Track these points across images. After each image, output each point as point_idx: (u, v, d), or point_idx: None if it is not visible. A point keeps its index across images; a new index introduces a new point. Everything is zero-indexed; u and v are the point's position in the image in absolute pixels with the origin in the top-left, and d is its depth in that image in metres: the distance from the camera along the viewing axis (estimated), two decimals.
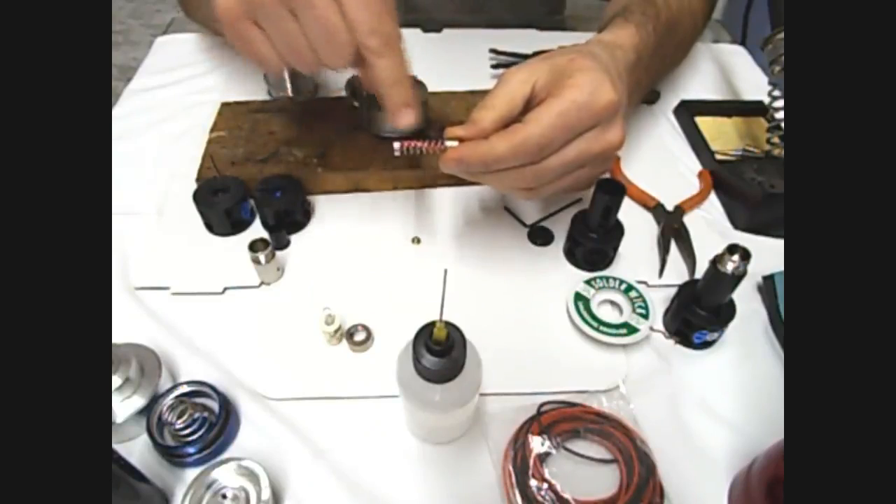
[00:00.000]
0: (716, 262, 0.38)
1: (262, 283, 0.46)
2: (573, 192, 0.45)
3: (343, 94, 0.58)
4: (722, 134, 0.60)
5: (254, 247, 0.44)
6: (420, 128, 0.55)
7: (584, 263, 0.48)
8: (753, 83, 0.69)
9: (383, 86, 0.38)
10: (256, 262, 0.44)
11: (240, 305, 0.45)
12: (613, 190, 0.43)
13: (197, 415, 0.36)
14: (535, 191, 0.41)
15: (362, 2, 0.35)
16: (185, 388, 0.38)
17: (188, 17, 0.72)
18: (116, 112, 0.63)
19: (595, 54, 0.41)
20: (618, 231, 0.46)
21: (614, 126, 0.39)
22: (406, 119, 0.40)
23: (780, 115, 0.53)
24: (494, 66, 0.69)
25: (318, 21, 0.35)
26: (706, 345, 0.43)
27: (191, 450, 0.36)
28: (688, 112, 0.62)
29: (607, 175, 0.47)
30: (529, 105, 0.39)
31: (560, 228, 0.51)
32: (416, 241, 0.50)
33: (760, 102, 0.60)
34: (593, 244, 0.46)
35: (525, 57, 0.69)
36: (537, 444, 0.36)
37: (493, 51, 0.71)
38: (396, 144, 0.40)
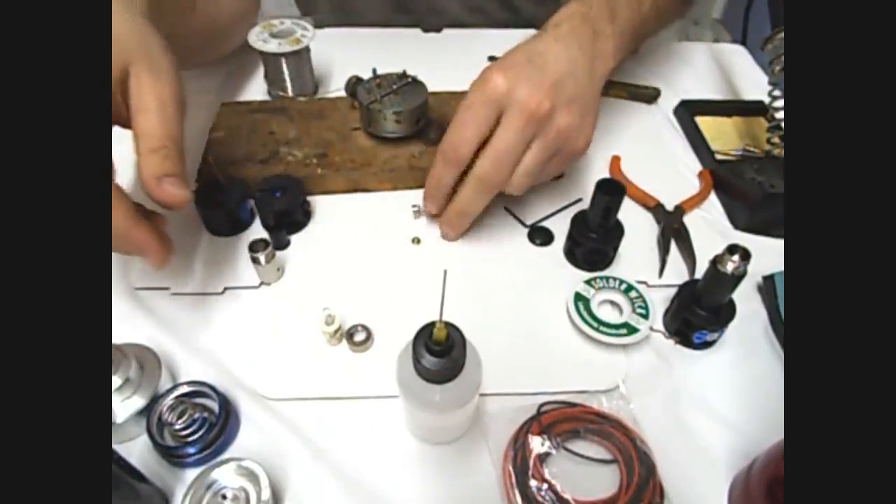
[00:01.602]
0: (716, 262, 0.38)
1: (262, 283, 0.46)
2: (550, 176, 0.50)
3: (343, 94, 0.58)
4: (722, 134, 0.60)
5: (254, 247, 0.44)
6: (420, 128, 0.55)
7: (584, 263, 0.48)
8: (753, 83, 0.69)
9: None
10: (256, 262, 0.44)
11: (240, 305, 0.45)
12: (613, 190, 0.43)
13: (197, 415, 0.36)
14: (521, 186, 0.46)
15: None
16: (185, 389, 0.38)
17: None
18: None
19: (529, 43, 0.46)
20: (618, 231, 0.46)
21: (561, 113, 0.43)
22: (151, 263, 0.37)
23: (780, 115, 0.53)
24: None
25: None
26: (706, 345, 0.43)
27: (191, 450, 0.36)
28: (688, 112, 0.62)
29: (607, 175, 0.48)
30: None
31: (560, 228, 0.51)
32: (416, 241, 0.50)
33: (760, 102, 0.60)
34: (593, 244, 0.46)
35: None
36: (537, 444, 0.36)
37: (491, 58, 0.71)
38: None
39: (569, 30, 0.46)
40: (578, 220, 0.47)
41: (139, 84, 0.36)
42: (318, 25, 0.63)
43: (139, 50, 0.37)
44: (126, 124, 0.36)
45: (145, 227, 0.36)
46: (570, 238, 0.48)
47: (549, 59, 0.44)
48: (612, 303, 0.46)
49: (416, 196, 0.54)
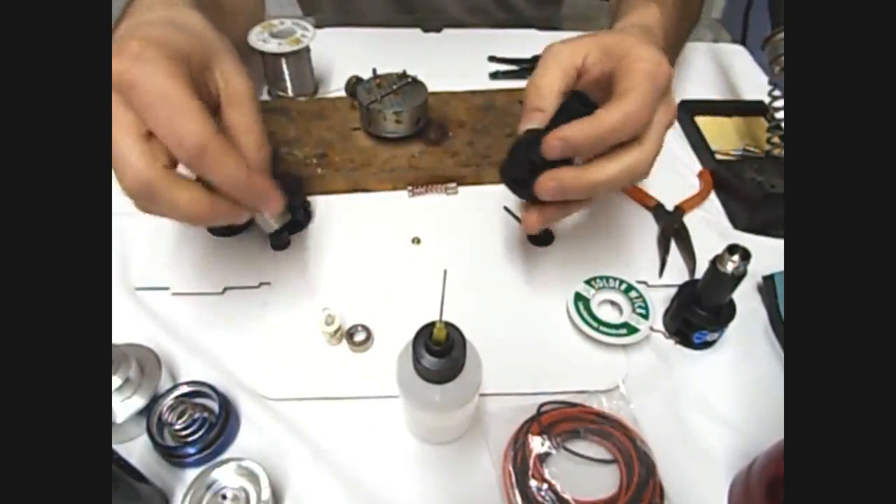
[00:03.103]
0: (716, 262, 0.38)
1: (261, 283, 0.46)
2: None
3: (343, 94, 0.58)
4: (722, 134, 0.60)
5: None
6: (420, 128, 0.55)
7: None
8: (753, 83, 0.69)
9: (227, 194, 0.34)
10: None
11: (240, 305, 0.45)
12: (586, 102, 0.38)
13: (197, 415, 0.36)
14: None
15: (154, 113, 0.30)
16: (185, 389, 0.38)
17: None
18: None
19: (636, 35, 0.41)
20: None
21: (672, 95, 0.39)
22: (269, 210, 0.37)
23: (780, 115, 0.53)
24: (492, 75, 0.69)
25: (114, 143, 0.31)
26: (706, 345, 0.43)
27: (191, 450, 0.36)
28: (688, 112, 0.62)
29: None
30: (577, 79, 0.39)
31: (560, 228, 0.51)
32: (416, 241, 0.50)
33: (760, 102, 0.60)
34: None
35: (524, 62, 0.70)
36: (537, 445, 0.36)
37: (491, 58, 0.71)
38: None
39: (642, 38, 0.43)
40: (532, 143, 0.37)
41: (227, 79, 0.36)
42: (320, 25, 0.63)
43: (221, 44, 0.37)
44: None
45: (260, 174, 0.35)
46: (514, 163, 0.39)
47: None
48: (612, 303, 0.46)
49: (416, 197, 0.54)
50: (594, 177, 0.36)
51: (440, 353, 0.30)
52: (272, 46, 0.58)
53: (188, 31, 0.35)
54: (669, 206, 0.53)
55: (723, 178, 0.55)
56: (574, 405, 0.39)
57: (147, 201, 0.32)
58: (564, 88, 0.38)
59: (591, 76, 0.39)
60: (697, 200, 0.54)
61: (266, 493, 0.33)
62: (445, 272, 0.30)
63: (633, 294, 0.44)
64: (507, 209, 0.53)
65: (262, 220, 0.42)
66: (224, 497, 0.33)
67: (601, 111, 0.36)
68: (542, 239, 0.50)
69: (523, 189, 0.38)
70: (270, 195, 0.36)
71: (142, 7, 0.38)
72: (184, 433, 0.36)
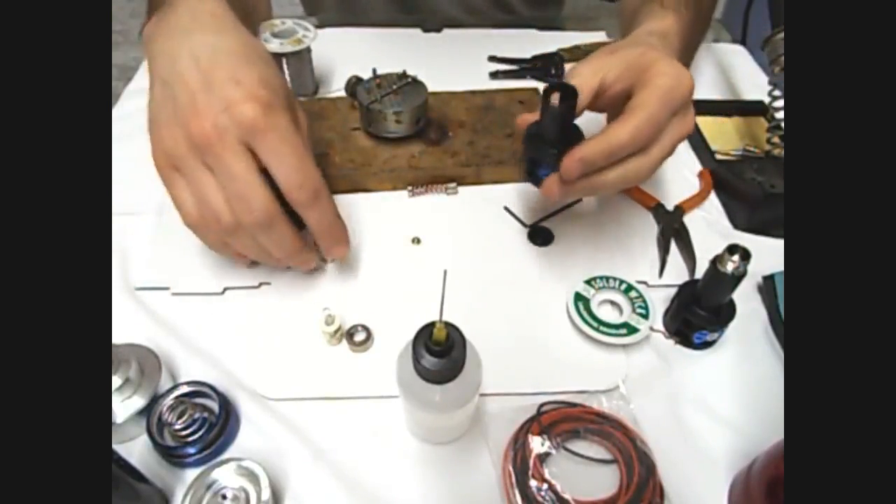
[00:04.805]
0: (716, 262, 0.38)
1: (261, 283, 0.46)
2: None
3: (343, 94, 0.58)
4: (722, 134, 0.60)
5: None
6: (420, 128, 0.55)
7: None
8: (753, 83, 0.69)
9: (315, 233, 0.40)
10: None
11: (240, 305, 0.45)
12: (566, 94, 0.37)
13: (197, 415, 0.36)
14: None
15: (283, 158, 0.36)
16: (185, 389, 0.38)
17: None
18: (116, 112, 0.63)
19: (655, 45, 0.42)
20: (577, 137, 0.40)
21: (690, 109, 0.41)
22: (339, 254, 0.43)
23: (780, 115, 0.53)
24: (492, 75, 0.69)
25: (232, 179, 0.35)
26: (706, 345, 0.43)
27: (191, 450, 0.36)
28: None
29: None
30: (598, 97, 0.40)
31: (560, 228, 0.51)
32: (416, 241, 0.50)
33: (760, 102, 0.60)
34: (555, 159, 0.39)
35: (524, 62, 0.70)
36: (537, 445, 0.36)
37: (491, 58, 0.71)
38: None
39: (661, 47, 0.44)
40: (534, 139, 0.40)
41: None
42: (323, 25, 0.63)
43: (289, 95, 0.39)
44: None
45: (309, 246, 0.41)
46: (531, 161, 0.42)
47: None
48: (612, 303, 0.46)
49: (416, 196, 0.54)
50: (598, 178, 0.38)
51: (440, 353, 0.30)
52: (273, 46, 0.58)
53: (275, 69, 0.39)
54: (669, 206, 0.53)
55: (723, 178, 0.55)
56: (574, 405, 0.39)
57: (265, 232, 0.37)
58: (580, 108, 0.40)
59: (613, 92, 0.40)
60: (697, 200, 0.54)
61: (266, 493, 0.33)
62: (445, 272, 0.30)
63: (633, 294, 0.44)
64: (507, 209, 0.53)
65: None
66: (224, 497, 0.33)
67: (612, 127, 0.37)
68: (542, 239, 0.50)
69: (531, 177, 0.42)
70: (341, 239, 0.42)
71: (187, 16, 0.38)
72: (184, 433, 0.36)
